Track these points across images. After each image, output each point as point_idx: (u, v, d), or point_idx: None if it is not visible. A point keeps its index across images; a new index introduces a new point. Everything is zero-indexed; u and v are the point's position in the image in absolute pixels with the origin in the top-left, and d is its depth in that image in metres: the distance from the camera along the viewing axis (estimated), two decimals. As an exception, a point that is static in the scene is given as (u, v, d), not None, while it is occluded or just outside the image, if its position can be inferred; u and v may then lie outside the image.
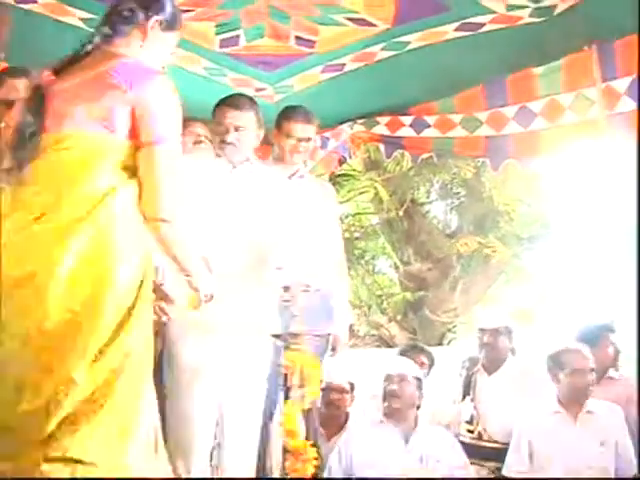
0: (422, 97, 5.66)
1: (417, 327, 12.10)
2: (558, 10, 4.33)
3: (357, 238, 13.07)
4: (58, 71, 2.74)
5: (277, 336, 3.48)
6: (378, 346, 12.17)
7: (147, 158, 2.62)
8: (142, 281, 2.58)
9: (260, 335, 3.64)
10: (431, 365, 5.73)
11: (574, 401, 4.59)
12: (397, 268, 12.77)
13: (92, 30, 4.32)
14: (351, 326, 13.99)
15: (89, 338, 2.38)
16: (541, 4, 4.26)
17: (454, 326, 12.09)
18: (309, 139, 4.44)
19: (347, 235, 13.03)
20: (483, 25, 4.49)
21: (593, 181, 4.01)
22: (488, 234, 11.57)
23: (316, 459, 3.38)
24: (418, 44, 4.72)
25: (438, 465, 4.44)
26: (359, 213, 12.82)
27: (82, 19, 4.40)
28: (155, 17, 2.80)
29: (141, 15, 2.79)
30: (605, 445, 4.43)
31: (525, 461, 4.61)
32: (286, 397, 3.51)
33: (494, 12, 4.36)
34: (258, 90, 5.42)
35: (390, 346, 10.49)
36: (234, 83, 5.30)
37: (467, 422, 5.13)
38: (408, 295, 12.30)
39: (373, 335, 13.02)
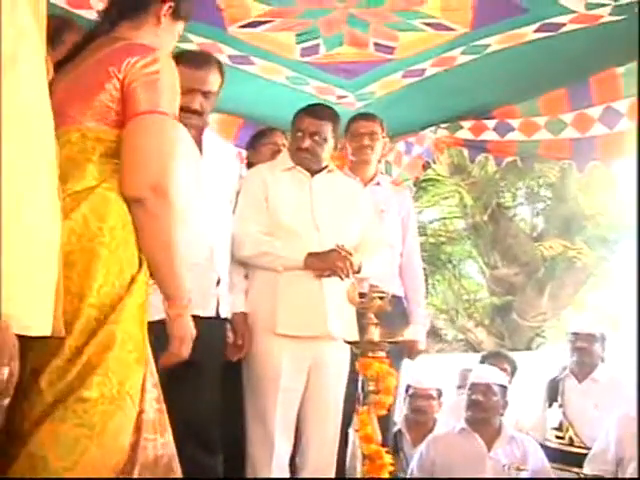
0: (505, 100, 5.61)
1: (505, 332, 12.01)
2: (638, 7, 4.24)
3: (443, 243, 13.07)
4: (62, 63, 2.50)
5: (354, 343, 3.48)
6: (465, 351, 12.13)
7: (129, 130, 2.30)
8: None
9: (338, 342, 3.70)
10: (513, 372, 5.68)
11: None
12: (484, 273, 12.71)
13: (178, 44, 4.51)
14: (438, 331, 14.04)
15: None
16: (621, 1, 4.17)
17: (542, 331, 11.96)
18: (375, 133, 4.48)
19: (433, 240, 13.07)
20: (563, 25, 4.43)
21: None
22: (574, 237, 11.44)
23: (392, 465, 3.38)
24: (498, 47, 4.68)
25: (521, 472, 4.41)
26: (445, 218, 12.80)
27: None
28: (169, 3, 2.56)
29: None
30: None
31: (611, 469, 4.55)
32: (362, 403, 3.53)
33: (574, 12, 4.29)
34: (340, 98, 5.46)
35: (477, 351, 10.42)
36: (316, 91, 5.35)
37: (555, 429, 5.08)
38: (495, 300, 12.24)
39: (460, 340, 12.97)
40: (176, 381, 3.30)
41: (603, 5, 4.22)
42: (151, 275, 2.38)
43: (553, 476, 4.68)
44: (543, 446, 5.01)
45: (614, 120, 5.18)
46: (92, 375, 2.12)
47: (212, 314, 3.58)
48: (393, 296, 3.87)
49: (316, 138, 3.89)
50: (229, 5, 4.29)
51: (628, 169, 7.44)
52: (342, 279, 3.73)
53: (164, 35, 2.57)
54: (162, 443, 2.34)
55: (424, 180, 10.15)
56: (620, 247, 12.06)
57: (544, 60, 4.85)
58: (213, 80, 3.58)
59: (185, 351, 2.50)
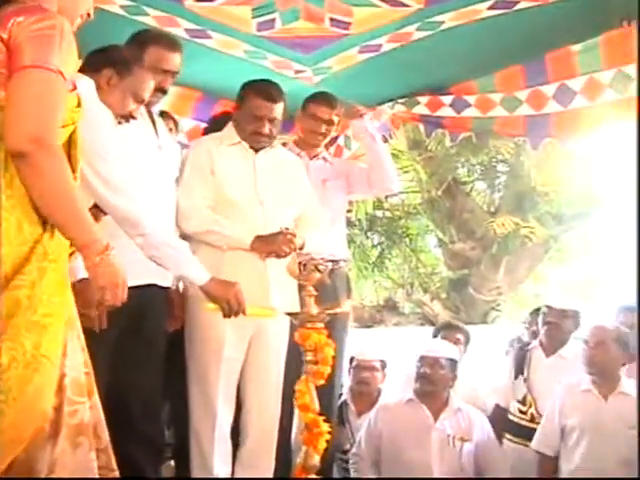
0: (461, 76, 5.64)
1: (461, 305, 12.12)
2: (594, -15, 4.28)
3: (400, 217, 13.14)
4: None
5: (293, 314, 3.54)
6: (422, 324, 12.23)
7: (11, 86, 2.22)
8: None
9: (278, 313, 3.75)
10: (467, 342, 5.73)
11: (605, 379, 4.56)
12: (440, 247, 12.81)
13: (132, 17, 4.50)
14: (395, 304, 14.15)
15: None
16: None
17: (498, 304, 12.08)
18: (332, 122, 4.51)
19: (389, 214, 13.15)
20: (517, 3, 4.47)
21: (633, 160, 3.96)
22: (527, 214, 11.54)
23: (329, 433, 3.45)
24: (452, 23, 4.70)
25: (465, 443, 4.49)
26: (402, 192, 12.84)
27: (123, 6, 4.46)
28: None
29: None
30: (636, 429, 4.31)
31: (556, 435, 4.62)
32: (300, 373, 3.59)
33: (528, -12, 4.32)
34: (297, 72, 5.47)
35: (434, 324, 10.50)
36: (274, 65, 5.35)
37: (519, 401, 5.12)
38: (451, 274, 12.34)
39: (417, 313, 13.08)
40: (122, 348, 3.37)
41: (556, -18, 4.25)
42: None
43: (498, 449, 4.76)
44: (507, 419, 5.10)
45: (568, 98, 5.22)
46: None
47: (169, 284, 3.67)
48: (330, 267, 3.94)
49: (274, 122, 3.97)
50: (186, -22, 4.28)
51: (582, 146, 7.55)
52: (283, 258, 3.82)
53: None
54: (90, 406, 2.37)
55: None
56: (575, 223, 12.17)
57: (499, 37, 4.88)
58: (179, 62, 3.78)
59: (114, 298, 2.49)
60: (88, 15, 2.61)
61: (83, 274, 3.22)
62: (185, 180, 3.87)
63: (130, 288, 3.39)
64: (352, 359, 5.27)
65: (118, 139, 3.38)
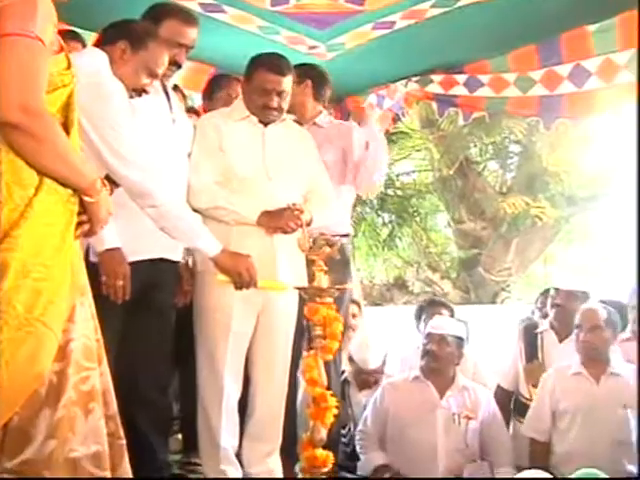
0: (475, 55, 5.63)
1: (470, 285, 12.12)
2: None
3: (411, 196, 13.12)
4: None
5: (303, 289, 3.55)
6: (432, 303, 12.23)
7: None
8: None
9: (287, 287, 3.77)
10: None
11: (595, 361, 4.53)
12: (451, 226, 12.80)
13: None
14: (405, 283, 14.16)
15: None
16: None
17: (508, 285, 12.07)
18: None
19: (401, 193, 13.13)
20: (533, -19, 4.45)
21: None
22: (537, 194, 11.51)
23: (337, 407, 3.47)
24: (468, 1, 4.69)
25: (470, 421, 4.50)
26: (413, 171, 12.85)
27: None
28: None
29: None
30: (628, 408, 4.33)
31: (547, 420, 4.62)
32: (308, 348, 3.61)
33: (544, -32, 4.30)
34: (311, 48, 5.47)
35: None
36: (287, 41, 5.35)
37: (534, 386, 5.07)
38: (462, 253, 12.33)
39: (426, 292, 13.09)
40: (132, 319, 3.42)
41: (573, -37, 4.22)
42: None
43: (504, 427, 4.77)
44: (518, 401, 5.10)
45: (583, 78, 5.19)
46: None
47: (179, 259, 3.70)
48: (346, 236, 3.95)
49: (282, 95, 3.95)
50: (200, -47, 4.27)
51: (596, 128, 7.52)
52: (287, 233, 3.83)
53: None
54: (100, 373, 2.40)
55: (394, 133, 10.15)
56: (587, 205, 12.13)
57: (514, 16, 4.85)
58: (195, 36, 3.77)
59: (100, 228, 2.57)
60: None
61: (109, 244, 3.28)
62: (193, 156, 3.87)
63: (141, 262, 3.47)
64: None
65: (132, 112, 3.39)
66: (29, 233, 2.22)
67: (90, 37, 4.74)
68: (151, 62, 3.33)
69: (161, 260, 3.55)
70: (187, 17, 3.76)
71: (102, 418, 2.39)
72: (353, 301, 6.21)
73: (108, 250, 3.36)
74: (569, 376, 4.59)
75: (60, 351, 2.29)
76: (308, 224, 3.87)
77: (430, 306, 5.79)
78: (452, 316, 5.64)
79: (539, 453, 4.62)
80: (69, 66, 2.43)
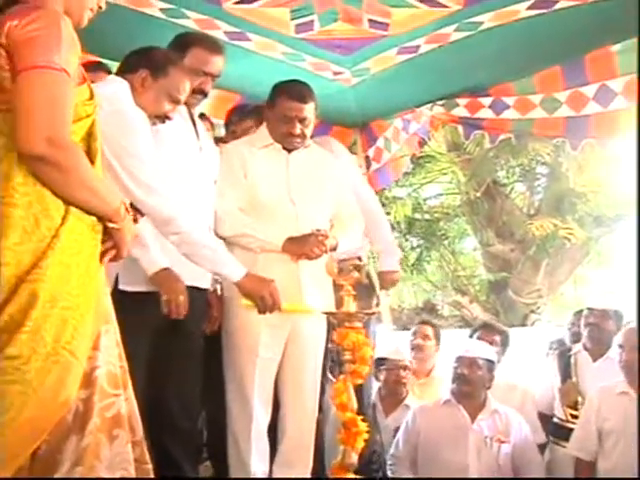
0: (500, 78, 5.62)
1: (500, 308, 12.06)
2: (632, -14, 4.24)
3: (439, 219, 13.11)
4: None
5: (331, 314, 3.56)
6: (461, 327, 12.18)
7: (19, 85, 2.22)
8: None
9: (316, 313, 3.81)
10: (505, 343, 5.66)
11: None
12: (479, 249, 12.75)
13: (172, 20, 4.55)
14: (434, 306, 14.12)
15: None
16: (614, -21, 4.18)
17: (538, 307, 12.00)
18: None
19: (428, 216, 13.13)
20: (556, 2, 4.43)
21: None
22: (565, 215, 11.46)
23: (368, 432, 3.45)
24: (492, 24, 4.69)
25: (502, 444, 4.48)
26: (440, 194, 12.83)
27: (162, 9, 4.51)
28: None
29: None
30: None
31: (593, 439, 4.59)
32: (338, 372, 3.61)
33: (566, -12, 4.29)
34: (336, 74, 5.50)
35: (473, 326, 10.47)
36: (313, 67, 5.37)
37: (570, 406, 5.09)
38: (490, 276, 12.27)
39: (456, 316, 13.04)
40: (162, 347, 3.44)
41: (595, -18, 4.22)
42: None
43: (536, 451, 4.74)
44: (554, 423, 5.07)
45: (609, 98, 5.16)
46: (18, 333, 2.14)
47: (208, 286, 3.72)
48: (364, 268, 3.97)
49: (305, 122, 3.97)
50: (224, -19, 4.31)
51: (623, 148, 7.47)
52: (314, 259, 3.85)
53: None
54: (125, 399, 2.42)
55: (421, 157, 10.17)
56: (615, 225, 12.06)
57: (538, 38, 4.84)
58: (221, 65, 3.80)
59: (126, 253, 2.60)
60: (99, 7, 2.61)
61: (162, 264, 3.35)
62: (218, 184, 3.89)
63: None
64: (381, 360, 5.28)
65: (158, 140, 3.43)
66: (56, 263, 2.25)
67: (116, 67, 4.82)
68: (172, 89, 3.36)
69: (191, 288, 3.57)
70: (213, 45, 3.78)
71: (128, 443, 2.41)
72: (425, 322, 6.25)
73: (163, 270, 3.40)
74: (615, 395, 4.57)
75: (86, 378, 2.32)
76: (334, 249, 3.89)
77: (482, 329, 5.78)
78: (506, 341, 5.63)
79: (585, 473, 4.62)
80: (92, 96, 2.47)
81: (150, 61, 3.36)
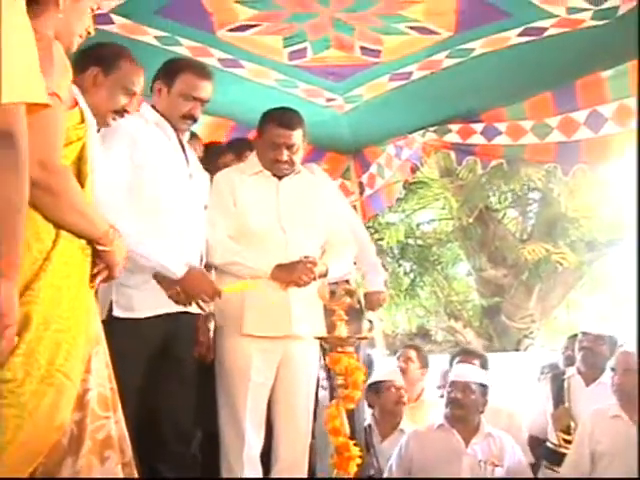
0: (492, 104, 5.68)
1: (493, 333, 12.07)
2: (621, 12, 4.27)
3: (432, 245, 13.13)
4: None
5: (323, 338, 3.57)
6: (454, 352, 12.17)
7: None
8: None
9: (307, 338, 3.82)
10: (483, 368, 5.53)
11: (633, 405, 4.51)
12: (472, 274, 12.78)
13: (166, 47, 4.59)
14: (428, 332, 14.06)
15: None
16: (602, 6, 4.21)
17: (531, 332, 12.01)
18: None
19: (421, 242, 13.16)
20: (546, 29, 4.48)
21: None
22: (557, 240, 11.50)
23: (360, 457, 3.46)
24: (483, 50, 4.75)
25: (496, 468, 4.48)
26: (433, 220, 12.87)
27: (157, 37, 4.56)
28: None
29: None
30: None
31: (586, 462, 4.59)
32: (330, 397, 3.62)
33: (556, 16, 4.33)
34: (329, 100, 5.55)
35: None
36: (305, 94, 5.42)
37: (562, 431, 5.08)
38: (483, 301, 12.29)
39: (450, 341, 13.04)
40: (154, 370, 3.45)
41: (584, 10, 4.26)
42: None
43: (529, 474, 4.74)
44: (548, 448, 5.07)
45: (599, 124, 5.20)
46: (12, 356, 2.13)
47: (199, 311, 3.73)
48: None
49: (293, 149, 3.99)
50: (217, 9, 4.34)
51: (614, 172, 7.52)
52: (299, 286, 3.84)
53: (69, 16, 2.51)
54: (115, 421, 2.43)
55: (413, 182, 10.20)
56: (608, 250, 12.11)
57: (529, 64, 4.91)
58: (211, 90, 3.77)
59: (118, 273, 2.60)
60: (88, 33, 2.62)
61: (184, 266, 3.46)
62: (209, 213, 3.89)
63: (162, 315, 3.51)
64: (375, 384, 5.28)
65: (147, 166, 3.47)
66: (48, 286, 2.25)
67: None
68: (126, 81, 3.25)
69: (182, 313, 3.59)
70: (201, 71, 3.78)
71: (118, 465, 2.41)
72: (411, 346, 6.27)
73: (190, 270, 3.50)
74: (608, 418, 4.59)
75: (78, 401, 2.33)
76: (324, 275, 3.90)
77: (461, 355, 5.79)
78: (485, 366, 5.63)
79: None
80: (82, 120, 2.48)
81: (100, 58, 3.25)
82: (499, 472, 4.49)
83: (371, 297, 4.96)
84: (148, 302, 3.48)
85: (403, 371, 5.71)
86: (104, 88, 3.21)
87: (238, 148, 4.58)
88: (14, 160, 1.97)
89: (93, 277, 2.50)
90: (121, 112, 3.29)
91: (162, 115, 3.70)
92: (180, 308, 3.56)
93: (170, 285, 3.52)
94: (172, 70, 3.75)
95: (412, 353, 6.03)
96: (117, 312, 3.42)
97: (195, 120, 3.80)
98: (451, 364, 5.66)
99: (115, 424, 2.44)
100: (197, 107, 3.74)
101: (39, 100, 2.03)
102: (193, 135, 4.36)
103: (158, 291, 3.50)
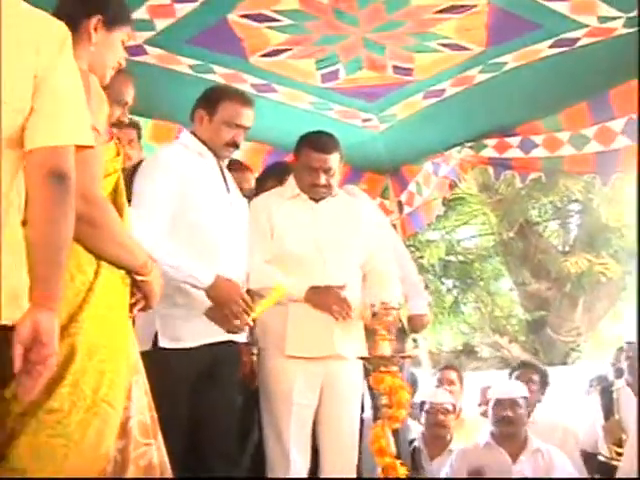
0: (527, 116, 5.65)
1: (539, 347, 11.97)
2: (652, 18, 4.26)
3: (473, 261, 13.07)
4: None
5: (366, 359, 3.56)
6: (501, 368, 12.08)
7: None
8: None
9: (350, 359, 3.82)
10: (543, 382, 5.60)
11: None
12: (516, 289, 12.68)
13: (199, 75, 4.64)
14: (473, 348, 13.96)
15: None
16: (632, 14, 4.18)
17: (578, 345, 11.90)
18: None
19: (462, 258, 13.10)
20: (578, 40, 4.47)
21: None
22: (600, 251, 11.39)
23: (406, 477, 3.44)
24: (515, 64, 4.74)
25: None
26: (474, 236, 12.81)
27: (190, 66, 4.62)
28: (97, 16, 2.52)
29: (81, 17, 2.51)
30: None
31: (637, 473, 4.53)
32: (375, 417, 3.60)
33: (587, 25, 4.32)
34: (364, 121, 5.56)
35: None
36: (340, 115, 5.45)
37: (615, 444, 5.03)
38: (528, 315, 12.19)
39: (496, 357, 12.94)
40: (199, 396, 3.48)
41: (615, 18, 4.23)
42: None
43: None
44: (600, 462, 5.02)
45: (636, 131, 5.16)
46: (59, 387, 2.17)
47: (244, 340, 3.74)
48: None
49: (330, 173, 4.01)
50: (249, 35, 4.38)
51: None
52: (337, 320, 3.83)
53: (101, 48, 2.57)
54: (156, 447, 2.46)
55: (452, 199, 10.19)
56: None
57: (563, 75, 4.88)
58: (253, 117, 3.81)
59: (155, 303, 2.63)
60: (119, 65, 2.67)
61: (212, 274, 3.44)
62: (247, 239, 3.90)
63: (210, 344, 3.53)
64: (423, 403, 5.27)
65: (190, 196, 3.51)
66: (92, 316, 2.29)
67: (146, 124, 4.92)
68: (118, 93, 3.24)
69: (227, 342, 3.61)
70: (243, 98, 3.80)
71: None
72: (448, 367, 6.25)
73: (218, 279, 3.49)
74: None
75: (121, 428, 2.36)
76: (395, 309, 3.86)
77: (520, 369, 5.74)
78: (545, 380, 5.58)
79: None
80: (118, 153, 2.54)
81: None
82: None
83: (415, 320, 4.91)
84: (195, 332, 3.50)
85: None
86: None
87: (280, 172, 4.58)
88: (65, 198, 2.01)
89: (131, 307, 2.53)
90: (118, 125, 3.34)
91: (204, 143, 3.72)
92: (225, 337, 3.58)
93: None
94: (213, 98, 3.76)
95: (453, 375, 6.01)
96: (163, 343, 3.44)
97: (237, 147, 3.82)
98: (510, 378, 5.61)
99: (156, 451, 2.47)
100: (240, 134, 3.76)
101: (88, 143, 2.09)
102: (242, 165, 4.40)
103: (204, 321, 3.53)
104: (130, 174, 3.50)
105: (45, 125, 2.01)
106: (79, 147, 2.07)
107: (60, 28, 2.09)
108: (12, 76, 1.97)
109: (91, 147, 2.12)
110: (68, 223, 2.03)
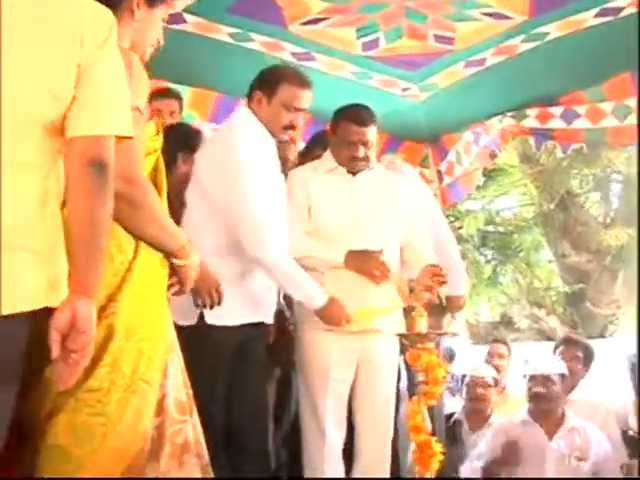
0: (570, 87, 5.56)
1: (578, 320, 11.90)
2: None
3: (513, 232, 12.99)
4: None
5: (403, 335, 3.55)
6: (538, 339, 12.03)
7: None
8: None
9: (387, 334, 3.82)
10: (588, 358, 5.52)
11: None
12: (555, 261, 12.60)
13: (239, 43, 4.62)
14: (511, 320, 13.92)
15: None
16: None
17: (616, 318, 11.81)
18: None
19: (502, 229, 13.02)
20: (623, 9, 4.39)
21: None
22: (641, 225, 11.28)
23: (443, 454, 3.44)
24: (559, 33, 4.67)
25: (581, 462, 4.41)
26: (513, 207, 12.72)
27: (230, 34, 4.60)
28: None
29: None
30: None
31: None
32: (412, 394, 3.60)
33: (631, -6, 4.24)
34: (404, 90, 5.52)
35: (551, 339, 10.32)
36: (381, 84, 5.41)
37: None
38: (567, 288, 12.12)
39: (534, 329, 12.89)
40: (236, 373, 3.52)
41: (661, -14, 4.17)
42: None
43: (617, 469, 4.64)
44: (629, 436, 4.98)
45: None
46: (98, 367, 2.19)
47: (271, 321, 3.75)
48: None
49: (368, 145, 3.97)
50: (288, 3, 4.35)
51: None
52: (377, 284, 3.83)
53: (143, 25, 2.55)
54: (192, 425, 2.48)
55: (492, 169, 10.11)
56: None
57: (606, 45, 4.79)
58: (311, 98, 3.76)
59: (190, 288, 2.68)
60: (158, 42, 2.66)
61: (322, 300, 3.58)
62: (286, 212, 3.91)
63: (244, 325, 3.54)
64: (464, 376, 5.26)
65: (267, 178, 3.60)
66: (131, 296, 2.31)
67: (185, 92, 4.91)
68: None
69: (260, 322, 3.64)
70: (301, 80, 3.71)
71: (196, 467, 2.46)
72: (498, 340, 6.23)
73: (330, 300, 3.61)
74: None
75: (158, 405, 2.38)
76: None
77: (564, 344, 5.64)
78: (590, 357, 5.53)
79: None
80: (158, 132, 2.54)
81: None
82: (584, 466, 4.42)
83: (452, 301, 4.86)
84: (238, 311, 3.52)
85: (497, 369, 5.67)
86: None
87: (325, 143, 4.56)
88: (104, 187, 2.00)
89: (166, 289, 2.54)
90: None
91: (264, 124, 3.68)
92: (262, 318, 3.63)
93: None
94: (272, 79, 3.69)
95: (503, 349, 5.98)
96: (211, 320, 3.45)
97: (294, 129, 3.78)
98: (554, 353, 5.57)
99: (192, 428, 2.49)
100: (298, 117, 3.71)
101: (128, 134, 2.08)
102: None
103: (246, 301, 3.57)
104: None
105: (87, 114, 2.00)
106: (119, 137, 2.07)
107: (105, 15, 2.07)
108: (55, 64, 1.97)
109: (130, 138, 2.11)
110: (107, 212, 2.02)
